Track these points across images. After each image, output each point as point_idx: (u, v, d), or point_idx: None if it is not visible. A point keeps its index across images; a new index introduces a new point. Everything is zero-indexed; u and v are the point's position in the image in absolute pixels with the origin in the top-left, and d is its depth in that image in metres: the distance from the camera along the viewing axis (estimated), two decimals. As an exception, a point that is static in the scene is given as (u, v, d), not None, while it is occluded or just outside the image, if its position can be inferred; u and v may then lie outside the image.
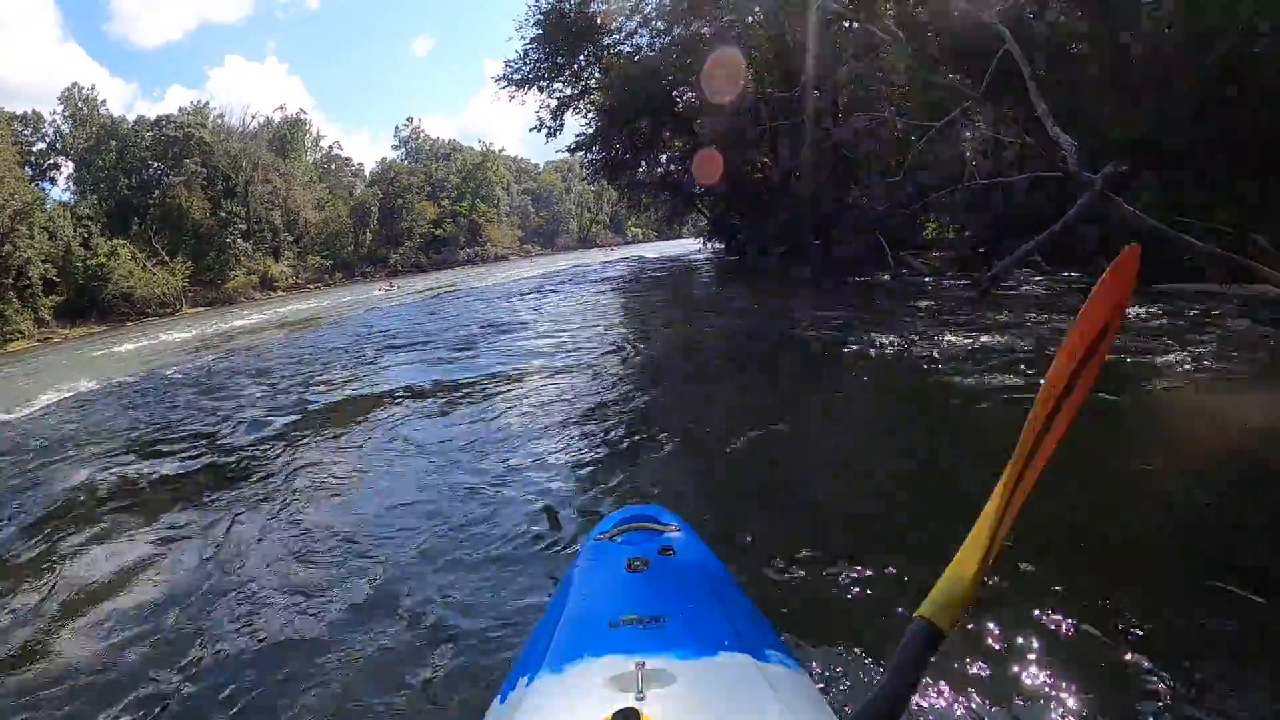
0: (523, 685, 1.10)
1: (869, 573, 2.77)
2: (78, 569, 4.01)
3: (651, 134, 26.41)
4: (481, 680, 2.41)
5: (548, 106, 27.78)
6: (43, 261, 46.38)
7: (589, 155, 28.20)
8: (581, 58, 26.35)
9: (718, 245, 30.37)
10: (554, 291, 20.02)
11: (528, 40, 26.34)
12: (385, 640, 2.78)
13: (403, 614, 2.94)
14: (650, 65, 22.76)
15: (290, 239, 61.93)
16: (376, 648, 2.74)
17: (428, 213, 73.05)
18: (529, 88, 27.02)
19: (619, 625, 1.18)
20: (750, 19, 21.46)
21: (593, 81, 26.59)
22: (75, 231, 50.10)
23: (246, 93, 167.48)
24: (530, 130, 32.78)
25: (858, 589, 2.69)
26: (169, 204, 55.51)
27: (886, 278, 12.53)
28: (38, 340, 42.78)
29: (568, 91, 27.50)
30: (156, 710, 2.59)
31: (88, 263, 48.98)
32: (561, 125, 28.28)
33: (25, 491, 5.85)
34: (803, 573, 2.84)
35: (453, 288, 30.53)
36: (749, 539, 3.19)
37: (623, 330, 10.71)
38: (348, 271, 64.97)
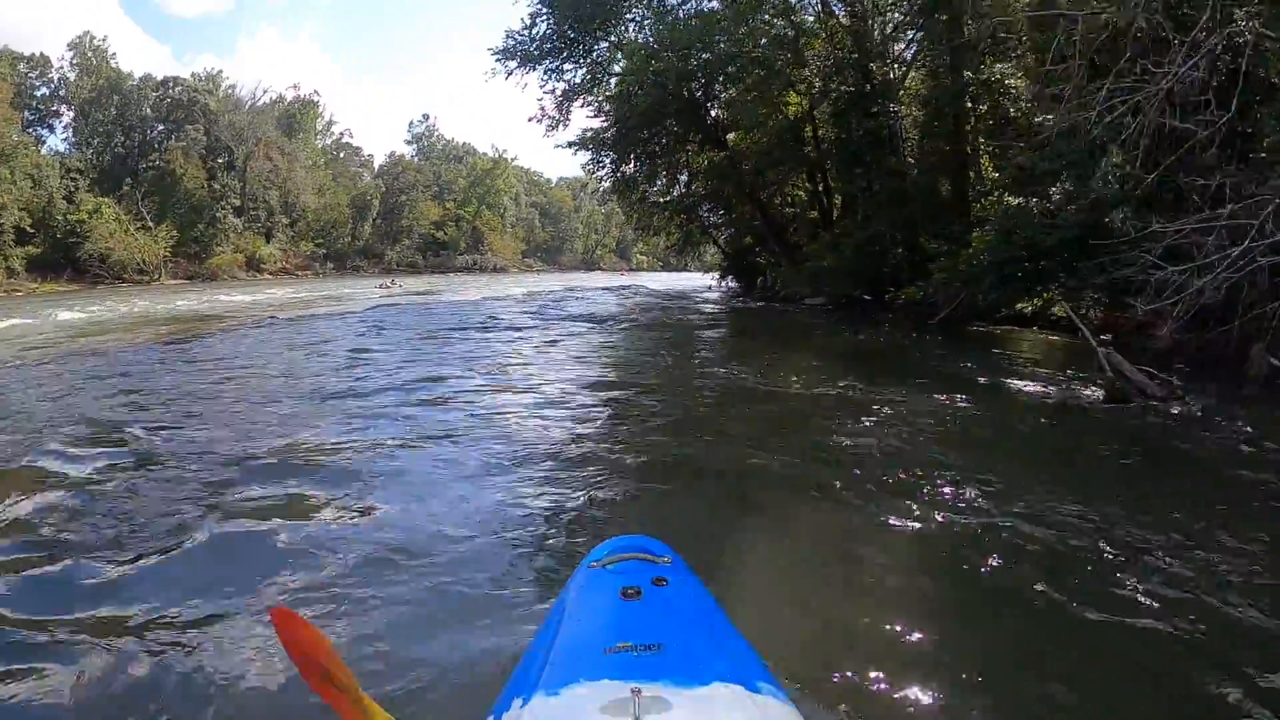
0: (517, 706, 1.04)
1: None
2: None
3: (674, 142, 20.22)
4: (471, 698, 2.02)
5: (552, 94, 20.53)
6: (20, 210, 41.15)
7: (597, 157, 21.43)
8: (603, 44, 19.64)
9: (733, 284, 24.90)
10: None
11: (535, 2, 19.13)
12: (370, 659, 2.32)
13: (391, 627, 2.53)
14: (684, 41, 15.99)
15: (286, 221, 56.08)
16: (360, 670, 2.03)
17: (430, 213, 66.85)
18: (531, 67, 19.74)
19: (615, 651, 1.12)
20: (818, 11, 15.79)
21: (615, 68, 19.49)
22: (61, 183, 44.95)
23: (275, 70, 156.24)
24: (529, 120, 26.03)
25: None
26: (163, 168, 50.40)
27: (1101, 398, 6.15)
28: (2, 291, 37.38)
29: (579, 77, 20.26)
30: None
31: (68, 217, 43.80)
32: (568, 118, 20.98)
33: None
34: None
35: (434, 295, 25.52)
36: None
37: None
38: (340, 263, 58.84)
